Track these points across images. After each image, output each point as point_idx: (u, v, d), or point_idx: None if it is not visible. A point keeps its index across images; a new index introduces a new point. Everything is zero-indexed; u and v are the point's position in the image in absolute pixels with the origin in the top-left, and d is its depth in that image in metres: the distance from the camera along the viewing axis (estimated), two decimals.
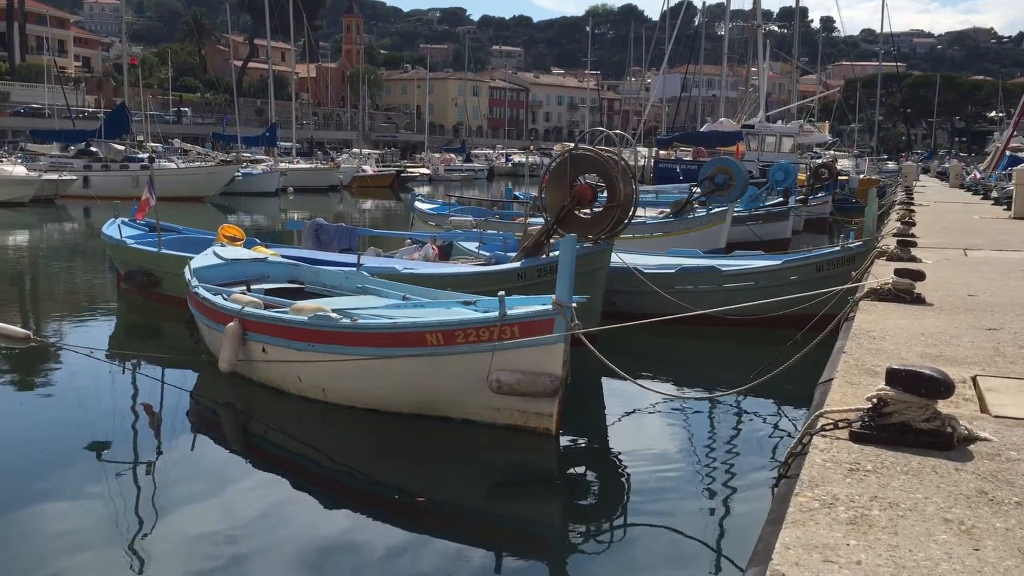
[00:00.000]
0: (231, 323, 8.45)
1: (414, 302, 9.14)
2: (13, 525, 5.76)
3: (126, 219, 14.73)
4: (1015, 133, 37.64)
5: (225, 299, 9.10)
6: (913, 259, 9.04)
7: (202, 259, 11.15)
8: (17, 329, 10.84)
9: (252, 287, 10.12)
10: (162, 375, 9.62)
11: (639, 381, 7.20)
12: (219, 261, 11.15)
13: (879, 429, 3.33)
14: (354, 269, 10.88)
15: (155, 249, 12.76)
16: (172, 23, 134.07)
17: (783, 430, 8.12)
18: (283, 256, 12.03)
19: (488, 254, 12.67)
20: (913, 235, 11.11)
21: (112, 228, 14.17)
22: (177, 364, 9.83)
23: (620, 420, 8.43)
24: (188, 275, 10.23)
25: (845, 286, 7.98)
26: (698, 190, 20.65)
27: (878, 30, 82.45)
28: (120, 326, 12.70)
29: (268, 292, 10.00)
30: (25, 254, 22.32)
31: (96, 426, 7.73)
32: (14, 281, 17.72)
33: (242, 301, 8.82)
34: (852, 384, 4.22)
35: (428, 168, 69.80)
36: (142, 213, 13.45)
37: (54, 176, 35.96)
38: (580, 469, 7.33)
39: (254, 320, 8.43)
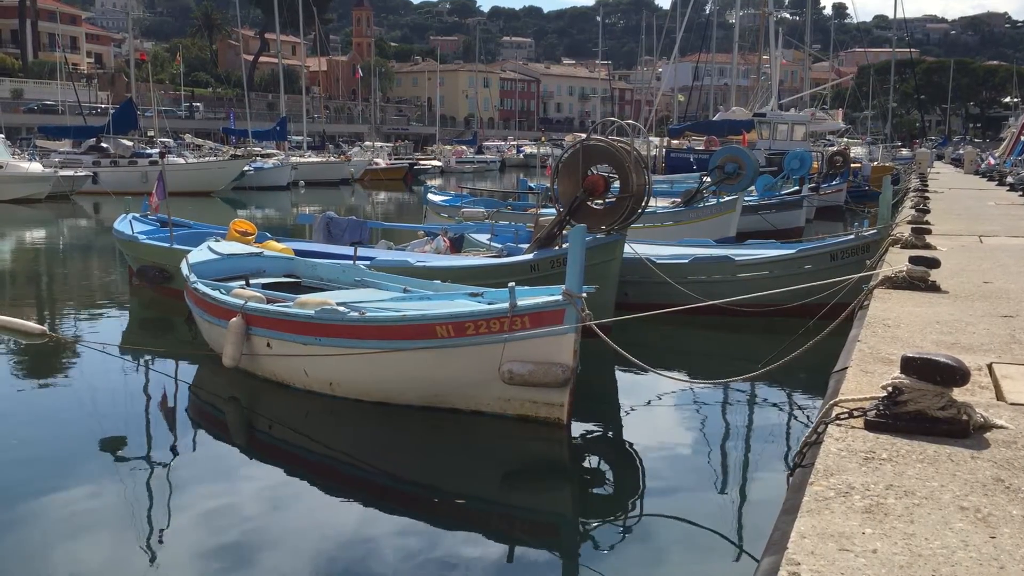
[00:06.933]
0: (234, 318, 8.43)
1: (419, 294, 9.11)
2: (27, 517, 5.80)
3: (137, 215, 14.79)
4: None
5: (224, 294, 9.10)
6: (928, 246, 8.98)
7: (198, 254, 11.11)
8: (33, 325, 10.91)
9: (250, 282, 10.12)
10: (175, 370, 9.67)
11: (653, 369, 7.17)
12: (215, 256, 11.10)
13: (894, 417, 3.31)
14: (351, 262, 10.84)
15: (167, 244, 12.79)
16: (183, 18, 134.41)
17: (798, 419, 8.09)
18: (295, 251, 12.03)
19: (500, 246, 12.64)
20: (927, 222, 11.03)
21: (124, 224, 14.21)
22: (188, 359, 9.87)
23: (633, 410, 8.42)
24: (186, 271, 10.23)
25: (860, 274, 7.94)
26: (708, 179, 20.58)
27: (891, 16, 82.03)
28: (133, 321, 12.76)
29: (264, 287, 9.96)
30: (42, 250, 22.45)
31: (108, 421, 7.78)
32: (30, 277, 17.84)
33: (244, 296, 8.81)
34: (867, 372, 4.20)
35: (440, 160, 69.74)
36: (154, 205, 13.32)
37: (70, 172, 36.11)
38: (592, 459, 7.33)
39: (258, 315, 8.43)
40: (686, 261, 12.06)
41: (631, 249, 11.31)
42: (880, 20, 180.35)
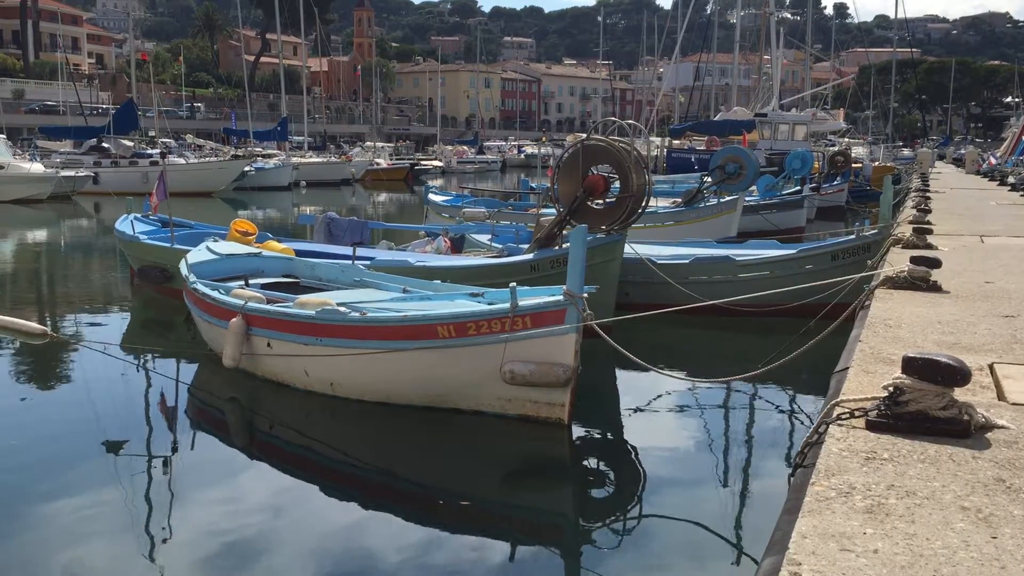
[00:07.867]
0: (235, 319, 8.42)
1: (419, 294, 9.10)
2: (27, 516, 5.80)
3: (139, 215, 14.79)
4: None
5: (224, 295, 9.10)
6: (929, 246, 8.98)
7: (197, 254, 11.10)
8: (34, 325, 10.91)
9: (249, 282, 10.11)
10: (176, 370, 9.67)
11: (654, 369, 7.17)
12: (213, 256, 11.08)
13: (895, 418, 3.30)
14: (350, 262, 10.84)
15: (168, 244, 12.79)
16: (184, 19, 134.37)
17: (799, 419, 8.09)
18: (296, 251, 12.03)
19: (500, 246, 12.64)
20: (929, 222, 11.02)
21: (125, 224, 14.22)
22: (188, 359, 9.87)
23: (634, 410, 8.41)
24: (185, 271, 10.23)
25: (861, 274, 7.94)
26: (709, 179, 20.59)
27: (892, 16, 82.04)
28: (134, 321, 12.76)
29: (263, 287, 9.95)
30: (43, 250, 22.46)
31: (109, 421, 7.77)
32: (31, 277, 17.85)
33: (244, 296, 8.80)
34: (868, 372, 4.19)
35: (441, 161, 69.76)
36: (154, 205, 13.43)
37: (71, 173, 36.13)
38: (593, 459, 7.32)
39: (258, 315, 8.42)
40: (687, 261, 12.06)
41: (632, 249, 11.30)
42: (881, 20, 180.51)
